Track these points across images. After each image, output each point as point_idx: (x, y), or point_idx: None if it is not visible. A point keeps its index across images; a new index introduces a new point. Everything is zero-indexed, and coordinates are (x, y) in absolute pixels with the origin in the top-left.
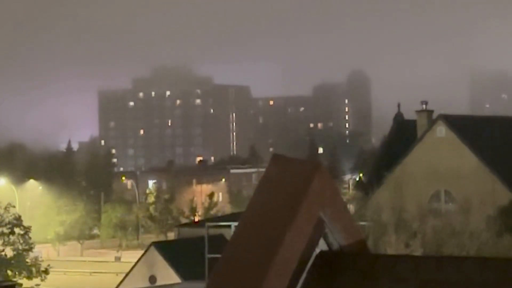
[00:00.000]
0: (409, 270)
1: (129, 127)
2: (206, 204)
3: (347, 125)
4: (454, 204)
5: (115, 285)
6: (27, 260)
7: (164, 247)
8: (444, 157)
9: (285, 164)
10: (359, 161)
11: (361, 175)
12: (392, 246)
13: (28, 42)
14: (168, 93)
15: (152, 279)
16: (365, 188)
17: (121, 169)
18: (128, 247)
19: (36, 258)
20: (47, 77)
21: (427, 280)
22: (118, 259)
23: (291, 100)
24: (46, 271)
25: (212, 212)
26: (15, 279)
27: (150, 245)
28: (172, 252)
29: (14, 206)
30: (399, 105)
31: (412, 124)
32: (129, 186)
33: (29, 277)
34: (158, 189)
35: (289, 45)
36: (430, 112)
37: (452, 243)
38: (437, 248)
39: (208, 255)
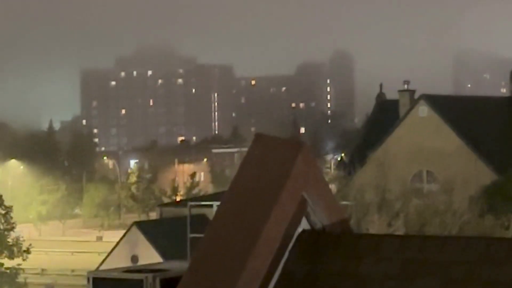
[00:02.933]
0: (392, 250)
1: (111, 107)
2: (188, 184)
3: (329, 105)
4: (436, 184)
5: (97, 265)
6: (9, 240)
7: (146, 227)
8: (426, 137)
9: (268, 143)
10: (341, 141)
11: (343, 155)
12: (375, 225)
13: (8, 20)
14: (150, 72)
15: (134, 258)
16: (348, 168)
17: (103, 148)
18: (110, 227)
19: (17, 237)
20: (29, 56)
21: (410, 260)
22: (100, 238)
23: (273, 80)
24: (27, 251)
25: (194, 191)
26: None
27: (132, 224)
28: (154, 231)
29: None
30: (381, 85)
31: (395, 104)
32: (111, 166)
33: (11, 257)
34: (140, 169)
35: (271, 24)
36: (412, 92)
37: (435, 223)
38: (419, 228)
39: (190, 235)
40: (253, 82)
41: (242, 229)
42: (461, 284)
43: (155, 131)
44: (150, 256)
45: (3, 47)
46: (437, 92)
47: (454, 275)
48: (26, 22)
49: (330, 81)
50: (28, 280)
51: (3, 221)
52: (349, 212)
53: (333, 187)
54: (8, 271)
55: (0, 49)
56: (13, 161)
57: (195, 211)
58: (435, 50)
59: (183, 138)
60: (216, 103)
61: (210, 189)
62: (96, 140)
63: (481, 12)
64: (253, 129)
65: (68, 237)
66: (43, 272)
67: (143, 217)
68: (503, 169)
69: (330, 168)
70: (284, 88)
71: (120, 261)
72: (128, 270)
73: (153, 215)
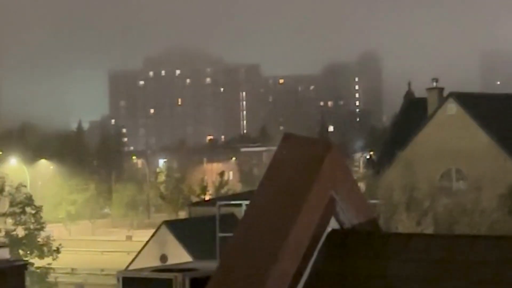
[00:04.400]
0: (421, 249)
1: (140, 106)
2: (217, 183)
3: (357, 103)
4: (465, 182)
5: (126, 264)
6: (39, 239)
7: (175, 226)
8: (455, 135)
9: (296, 143)
10: (369, 139)
11: (371, 153)
12: (404, 224)
13: (36, 23)
14: (178, 72)
15: (163, 258)
16: (376, 166)
17: (132, 148)
18: (139, 226)
19: (47, 237)
20: (58, 57)
21: (438, 259)
22: (129, 238)
23: (301, 78)
24: (57, 250)
25: (223, 191)
26: (26, 259)
27: (161, 224)
28: (183, 231)
29: (25, 186)
30: (409, 83)
31: (423, 102)
32: (139, 165)
33: (41, 257)
34: (169, 168)
35: (299, 23)
36: (440, 89)
37: (464, 222)
38: (448, 227)
39: (219, 234)
40: (281, 81)
41: (271, 229)
42: (490, 285)
43: (183, 130)
44: (179, 255)
45: (32, 48)
46: (466, 89)
47: (484, 275)
48: (54, 24)
49: (358, 79)
50: (58, 280)
51: (33, 221)
52: (377, 211)
53: (361, 185)
54: (38, 270)
55: (29, 51)
56: (42, 161)
57: (224, 210)
58: (463, 47)
59: (211, 137)
60: (244, 102)
61: (238, 188)
62: (125, 139)
63: (510, 9)
64: (281, 127)
65: (97, 236)
66: (73, 271)
67: (172, 217)
68: None
69: (358, 166)
70: (312, 87)
71: (149, 260)
72: (157, 270)
73: (182, 215)
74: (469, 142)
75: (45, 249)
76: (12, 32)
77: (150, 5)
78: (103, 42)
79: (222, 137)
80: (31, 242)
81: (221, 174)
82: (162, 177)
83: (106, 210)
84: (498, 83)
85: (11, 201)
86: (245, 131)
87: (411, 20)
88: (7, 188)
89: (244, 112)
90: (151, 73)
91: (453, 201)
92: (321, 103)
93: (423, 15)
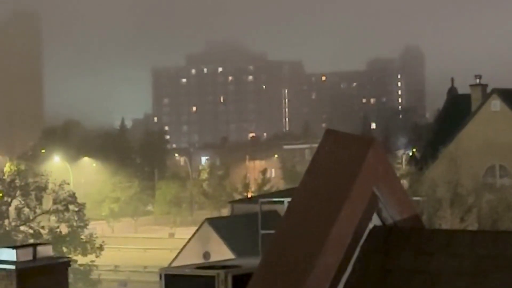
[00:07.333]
0: (465, 245)
1: (182, 104)
2: (259, 180)
3: (400, 100)
4: (509, 179)
5: (169, 261)
6: (82, 236)
7: (217, 223)
8: (499, 131)
9: (338, 139)
10: (412, 136)
11: (414, 150)
12: (447, 221)
13: (80, 20)
14: (220, 69)
15: (206, 255)
16: (419, 163)
17: (175, 146)
18: (182, 224)
19: (90, 234)
20: (101, 55)
21: (482, 255)
22: (172, 235)
23: (344, 75)
24: (100, 248)
25: (265, 188)
26: (70, 256)
27: (204, 221)
28: (225, 228)
29: (68, 183)
30: (452, 80)
31: (466, 98)
32: (182, 163)
33: (84, 254)
34: (212, 165)
35: (341, 20)
36: (484, 86)
37: (508, 218)
38: (492, 223)
39: (261, 231)
40: (323, 78)
41: (313, 225)
42: None
43: (226, 127)
44: (222, 252)
45: (75, 47)
46: (510, 86)
47: None
48: (97, 22)
49: (401, 76)
50: (101, 277)
51: (76, 218)
52: (420, 207)
53: (404, 182)
54: (82, 267)
55: (73, 49)
56: (86, 158)
57: (266, 207)
58: (507, 43)
59: (253, 134)
60: (286, 99)
61: (281, 185)
62: (168, 137)
63: None
64: (323, 125)
65: (140, 234)
66: (116, 268)
67: (214, 214)
68: None
69: (401, 163)
70: (354, 84)
71: (192, 257)
72: (200, 267)
73: (225, 212)
74: None
75: (88, 246)
76: (55, 31)
77: (192, 3)
78: (146, 40)
79: (265, 134)
80: (74, 239)
81: (264, 171)
82: (204, 175)
83: (149, 208)
84: None
85: (55, 198)
86: (287, 128)
87: (454, 16)
88: (50, 186)
89: (287, 109)
90: (193, 71)
91: (497, 197)
92: (364, 100)
93: (465, 11)
